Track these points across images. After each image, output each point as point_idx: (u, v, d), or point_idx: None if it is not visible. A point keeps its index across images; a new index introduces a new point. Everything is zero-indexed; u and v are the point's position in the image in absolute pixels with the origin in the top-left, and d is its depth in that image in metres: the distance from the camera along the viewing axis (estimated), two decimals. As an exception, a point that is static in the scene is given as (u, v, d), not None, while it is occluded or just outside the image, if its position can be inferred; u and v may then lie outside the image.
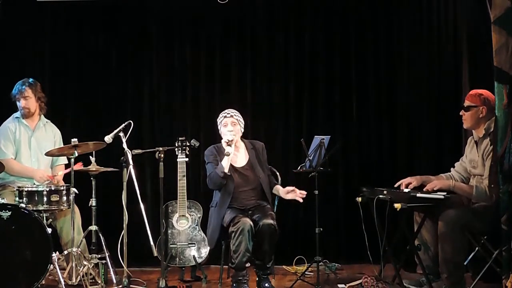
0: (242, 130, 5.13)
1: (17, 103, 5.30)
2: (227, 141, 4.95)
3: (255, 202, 5.00)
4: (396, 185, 4.76)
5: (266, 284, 4.84)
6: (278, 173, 5.37)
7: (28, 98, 5.28)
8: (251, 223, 4.71)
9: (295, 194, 4.91)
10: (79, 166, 5.04)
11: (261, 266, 4.85)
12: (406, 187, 4.67)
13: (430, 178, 4.77)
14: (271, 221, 4.73)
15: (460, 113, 4.75)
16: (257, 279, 4.92)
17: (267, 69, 6.21)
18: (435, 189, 4.56)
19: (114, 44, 6.19)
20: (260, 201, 5.01)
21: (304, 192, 4.90)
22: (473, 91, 4.77)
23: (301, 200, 4.92)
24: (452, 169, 4.90)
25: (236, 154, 5.08)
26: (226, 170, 4.92)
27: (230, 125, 5.02)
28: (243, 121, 5.12)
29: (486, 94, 4.65)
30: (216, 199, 5.03)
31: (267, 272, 4.87)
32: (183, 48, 6.21)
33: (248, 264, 4.80)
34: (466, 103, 4.71)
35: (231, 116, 5.04)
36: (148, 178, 6.06)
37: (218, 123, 5.11)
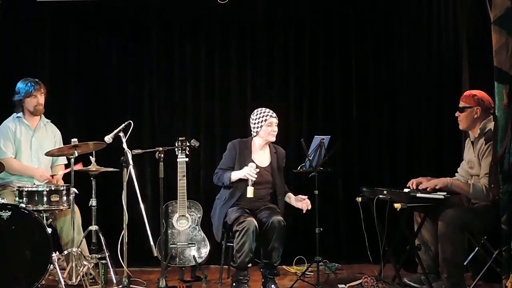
0: None
1: (29, 99, 5.27)
2: (252, 177, 4.83)
3: (264, 204, 4.99)
4: (407, 185, 4.73)
5: (273, 285, 4.82)
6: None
7: (43, 95, 5.31)
8: (256, 223, 4.70)
9: (304, 203, 4.90)
10: (79, 166, 5.04)
11: (268, 265, 4.82)
12: (416, 187, 4.65)
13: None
14: (280, 218, 4.74)
15: (456, 115, 4.76)
16: (262, 280, 4.90)
17: (267, 69, 6.21)
18: (436, 187, 4.56)
19: (114, 44, 6.19)
20: (270, 204, 5.01)
21: (309, 206, 4.90)
22: (467, 92, 4.78)
23: (304, 210, 4.91)
24: (456, 173, 4.90)
25: (261, 153, 5.07)
26: (228, 182, 4.91)
27: (275, 125, 5.01)
28: None
29: (480, 94, 4.66)
30: (225, 194, 4.99)
31: (274, 272, 4.85)
32: (183, 48, 6.20)
33: (249, 265, 4.79)
34: (461, 104, 4.72)
35: (275, 117, 5.03)
36: (148, 178, 6.05)
37: (260, 119, 4.99)
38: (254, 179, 4.81)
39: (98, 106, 6.13)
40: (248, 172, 4.81)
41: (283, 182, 5.12)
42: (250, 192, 4.79)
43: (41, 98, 5.31)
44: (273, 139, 5.03)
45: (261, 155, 5.07)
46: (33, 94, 5.27)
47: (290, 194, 5.11)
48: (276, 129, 5.02)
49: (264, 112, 5.03)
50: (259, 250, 4.89)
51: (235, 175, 4.90)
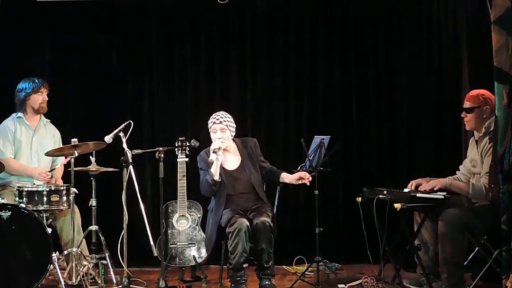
0: (233, 134, 5.03)
1: (36, 96, 5.26)
2: (214, 149, 4.85)
3: (254, 203, 4.95)
4: (408, 186, 4.73)
5: (267, 282, 4.80)
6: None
7: (47, 94, 5.33)
8: (248, 223, 4.67)
9: (304, 180, 4.84)
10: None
11: (260, 266, 4.80)
12: (416, 188, 4.65)
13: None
14: (265, 219, 4.67)
15: (462, 115, 4.74)
16: (259, 281, 4.89)
17: (267, 69, 6.21)
18: (434, 189, 4.56)
19: (114, 44, 6.19)
20: (259, 202, 4.97)
21: (310, 178, 4.84)
22: (473, 92, 4.76)
23: (308, 183, 4.86)
24: (457, 172, 4.90)
25: (227, 157, 5.03)
26: (216, 178, 4.85)
27: (219, 131, 4.93)
28: (233, 124, 5.01)
29: (487, 94, 4.65)
30: (212, 204, 5.00)
31: (267, 272, 4.80)
32: (183, 48, 6.20)
33: (246, 265, 4.78)
34: (468, 104, 4.70)
35: (220, 122, 4.93)
36: (148, 178, 6.06)
37: (209, 127, 5.02)
38: (220, 146, 4.82)
39: (98, 106, 6.13)
40: (212, 150, 4.82)
41: (259, 173, 5.03)
42: (212, 157, 4.80)
43: (45, 96, 5.33)
44: (219, 145, 4.90)
45: (228, 158, 5.02)
46: (41, 90, 5.29)
47: (284, 174, 5.03)
48: (220, 135, 4.92)
49: (211, 119, 4.98)
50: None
51: (213, 167, 4.85)
